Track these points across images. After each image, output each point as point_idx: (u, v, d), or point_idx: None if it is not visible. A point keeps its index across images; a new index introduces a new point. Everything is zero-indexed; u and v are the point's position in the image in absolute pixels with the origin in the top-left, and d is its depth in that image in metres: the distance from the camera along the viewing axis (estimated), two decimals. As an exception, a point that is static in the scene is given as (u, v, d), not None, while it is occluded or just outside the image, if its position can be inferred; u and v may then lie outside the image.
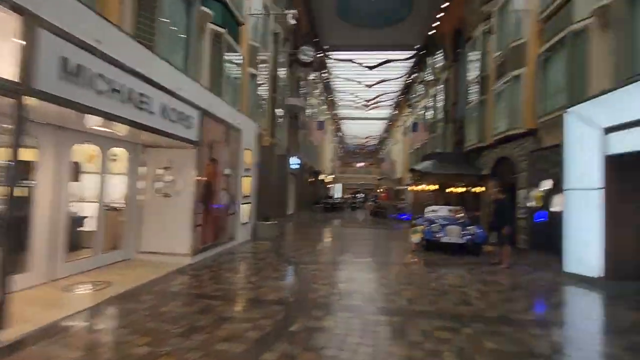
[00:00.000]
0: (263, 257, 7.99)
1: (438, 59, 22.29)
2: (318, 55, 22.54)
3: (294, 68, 20.22)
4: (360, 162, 67.77)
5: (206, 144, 7.37)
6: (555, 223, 8.66)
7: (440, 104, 21.60)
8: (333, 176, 44.86)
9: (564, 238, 7.34)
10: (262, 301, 4.85)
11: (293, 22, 15.72)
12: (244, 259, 7.83)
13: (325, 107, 34.44)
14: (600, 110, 6.76)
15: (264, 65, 13.64)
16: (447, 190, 17.05)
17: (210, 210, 7.75)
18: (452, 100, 19.40)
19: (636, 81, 6.00)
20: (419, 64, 25.69)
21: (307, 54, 19.35)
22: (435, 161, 16.12)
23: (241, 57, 11.29)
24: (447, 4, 17.75)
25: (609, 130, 6.67)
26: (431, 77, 23.69)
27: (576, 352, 3.70)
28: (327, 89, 32.29)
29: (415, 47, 22.94)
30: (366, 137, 56.21)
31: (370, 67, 24.74)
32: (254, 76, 12.22)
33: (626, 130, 6.34)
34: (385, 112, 39.84)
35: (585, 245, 6.92)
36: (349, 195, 49.84)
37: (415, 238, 9.90)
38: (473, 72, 15.23)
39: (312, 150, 28.65)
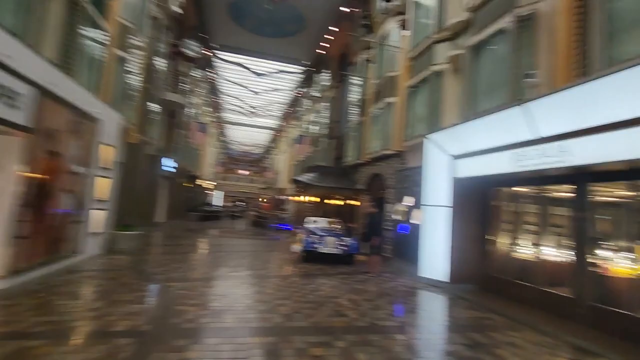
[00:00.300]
0: (116, 275, 6.61)
1: (325, 78, 23.65)
2: (204, 52, 21.08)
3: (176, 61, 18.32)
4: (244, 169, 66.26)
5: (42, 132, 5.72)
6: (414, 235, 9.89)
7: (324, 120, 22.83)
8: (214, 183, 42.38)
9: (420, 248, 8.39)
10: (107, 334, 3.87)
11: (178, 10, 14.26)
12: (90, 278, 6.32)
13: (209, 108, 32.45)
14: (450, 140, 8.03)
15: (138, 51, 11.84)
16: (327, 202, 17.89)
17: (44, 218, 6.03)
18: (335, 118, 20.74)
19: (475, 119, 7.32)
20: (308, 80, 26.77)
21: (191, 48, 17.84)
22: (318, 174, 16.77)
23: (107, 36, 9.47)
24: (336, 29, 19.03)
25: (456, 157, 7.98)
26: (318, 94, 24.93)
27: (429, 352, 4.07)
28: (213, 90, 30.56)
29: (304, 62, 23.79)
30: (251, 145, 55.38)
31: (260, 74, 24.49)
32: (122, 60, 10.42)
33: (468, 159, 7.69)
34: (272, 121, 40.05)
35: (435, 254, 8.03)
36: (230, 204, 47.87)
37: (297, 247, 9.93)
38: (354, 94, 16.58)
39: (191, 153, 26.41)
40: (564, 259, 6.71)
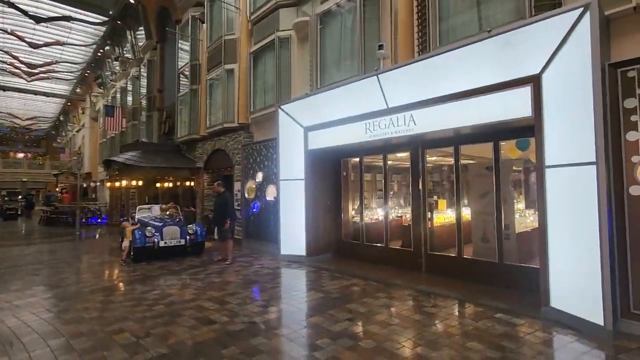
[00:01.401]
0: None
1: (140, 36, 19.47)
2: None
3: None
4: (21, 151, 49.47)
5: None
6: (266, 212, 9.40)
7: (143, 88, 18.98)
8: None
9: (280, 225, 7.96)
10: None
11: None
12: None
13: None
14: (302, 111, 7.75)
15: None
16: (157, 185, 15.17)
17: None
18: (158, 86, 17.51)
19: (327, 90, 7.23)
20: (114, 36, 21.50)
21: None
22: (140, 152, 13.82)
23: None
24: (151, -26, 15.63)
25: (308, 129, 7.80)
26: (131, 56, 20.41)
27: (325, 339, 3.65)
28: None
29: (109, 12, 18.81)
30: (31, 118, 41.54)
31: (38, 20, 17.79)
32: None
33: (321, 130, 7.61)
34: (63, 87, 30.84)
35: (294, 230, 7.78)
36: (1, 198, 34.80)
37: (126, 243, 7.79)
38: (184, 57, 14.22)
39: None
40: (403, 218, 7.70)
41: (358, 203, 8.08)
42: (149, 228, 7.97)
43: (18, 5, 16.84)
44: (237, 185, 10.57)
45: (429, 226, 6.42)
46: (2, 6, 17.47)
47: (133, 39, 20.07)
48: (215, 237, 8.62)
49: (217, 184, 7.93)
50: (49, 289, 5.77)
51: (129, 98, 21.34)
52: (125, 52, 21.35)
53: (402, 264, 6.65)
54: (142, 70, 19.27)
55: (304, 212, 7.64)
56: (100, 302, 4.94)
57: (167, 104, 16.54)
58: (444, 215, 7.13)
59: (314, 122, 7.56)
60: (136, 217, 9.24)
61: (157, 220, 8.73)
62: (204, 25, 12.89)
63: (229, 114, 11.00)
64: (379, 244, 7.32)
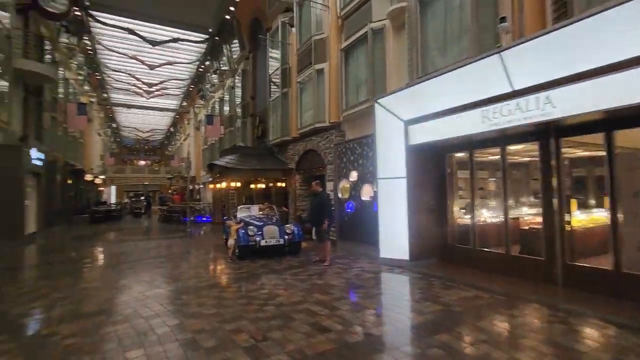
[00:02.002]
0: (-52, 331, 4.07)
1: (235, 48, 21.05)
2: (75, 12, 16.50)
3: (32, 20, 13.77)
4: (142, 159, 58.37)
5: None
6: (361, 213, 9.02)
7: (238, 97, 20.46)
8: (104, 177, 35.91)
9: (379, 226, 7.50)
10: None
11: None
12: None
13: (88, 87, 26.62)
14: (401, 104, 7.17)
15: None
16: (252, 186, 16.10)
17: None
18: (251, 93, 18.64)
19: (426, 80, 6.54)
20: (213, 52, 23.67)
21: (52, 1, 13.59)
22: (238, 155, 14.74)
23: None
24: (244, -11, 16.71)
25: (409, 122, 7.17)
26: (227, 68, 22.20)
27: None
28: (93, 64, 24.94)
29: (208, 30, 20.73)
30: (149, 131, 48.65)
31: (154, 44, 20.53)
32: None
33: (421, 124, 6.93)
34: (172, 102, 35.27)
35: (395, 232, 7.23)
36: (128, 200, 41.45)
37: (231, 241, 8.23)
38: (274, 63, 14.80)
39: (70, 142, 21.29)
40: (523, 220, 6.55)
41: (467, 203, 7.16)
42: (250, 227, 8.27)
43: (137, 32, 19.60)
44: (329, 185, 10.44)
45: (568, 231, 5.26)
46: (126, 36, 20.58)
47: (229, 52, 21.79)
48: (313, 237, 8.54)
49: (314, 184, 7.84)
50: (170, 282, 6.27)
51: (226, 107, 23.25)
52: (222, 65, 23.33)
53: (528, 275, 5.60)
54: (236, 80, 20.79)
55: (405, 213, 7.06)
56: (215, 298, 5.13)
57: (260, 110, 17.46)
58: (586, 218, 5.81)
59: (416, 115, 6.92)
60: (238, 216, 9.75)
61: (257, 220, 9.06)
62: (293, 29, 13.15)
63: (320, 114, 10.96)
64: (497, 251, 6.32)
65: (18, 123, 12.60)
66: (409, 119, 7.10)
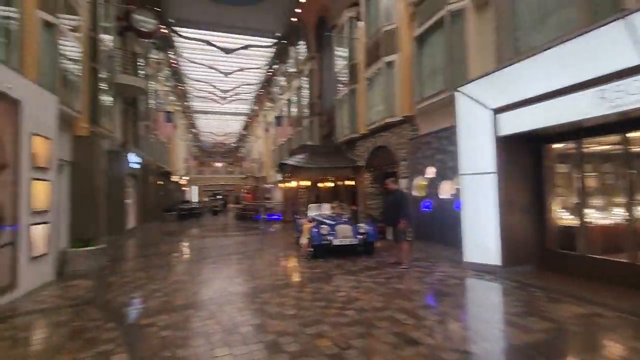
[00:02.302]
0: (66, 316, 4.62)
1: (301, 50, 21.43)
2: (160, 28, 18.27)
3: (128, 39, 15.59)
4: (218, 161, 63.09)
5: None
6: (439, 211, 8.35)
7: (305, 97, 20.78)
8: (188, 178, 39.50)
9: (462, 226, 6.82)
10: None
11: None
12: (27, 327, 4.30)
13: (174, 97, 29.43)
14: (488, 91, 6.40)
15: (75, 19, 9.32)
16: (321, 185, 16.18)
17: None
18: (317, 92, 18.76)
19: (519, 61, 5.70)
20: (281, 55, 24.40)
21: (145, 22, 15.15)
22: (307, 154, 14.89)
23: (22, -10, 7.01)
24: (309, -10, 16.82)
25: (498, 111, 6.36)
26: (294, 69, 22.70)
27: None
28: (177, 75, 27.51)
29: (276, 34, 21.39)
30: (224, 134, 52.31)
31: (227, 52, 21.84)
32: (51, 27, 7.96)
33: (513, 111, 6.09)
34: (244, 106, 37.32)
35: (483, 233, 6.49)
36: (207, 199, 45.12)
37: (304, 239, 8.24)
38: (340, 61, 14.63)
39: (160, 147, 23.72)
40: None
41: (571, 201, 6.13)
42: (323, 226, 8.18)
43: (211, 42, 21.02)
44: (403, 183, 9.91)
45: None
46: (204, 47, 22.23)
47: (295, 54, 22.25)
48: (389, 237, 8.15)
49: (389, 181, 7.43)
50: (249, 279, 6.44)
51: (293, 108, 23.81)
52: (289, 67, 23.93)
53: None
54: (303, 81, 21.13)
55: (495, 213, 6.28)
56: (293, 298, 5.09)
57: (327, 108, 17.47)
58: None
59: (506, 102, 6.10)
60: (309, 214, 9.77)
61: (328, 218, 8.95)
62: (360, 23, 12.82)
63: (391, 108, 10.47)
64: (616, 259, 5.27)
65: (119, 131, 14.34)
66: (497, 106, 6.30)
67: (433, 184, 8.55)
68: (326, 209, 10.00)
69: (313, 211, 9.93)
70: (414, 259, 7.52)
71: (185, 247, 11.25)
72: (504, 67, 6.03)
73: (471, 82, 6.71)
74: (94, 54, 10.57)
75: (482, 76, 6.45)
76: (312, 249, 8.03)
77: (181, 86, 30.03)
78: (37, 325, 4.40)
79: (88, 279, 6.60)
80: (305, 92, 20.67)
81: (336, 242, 7.92)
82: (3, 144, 5.17)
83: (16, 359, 3.36)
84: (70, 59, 9.09)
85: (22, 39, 6.95)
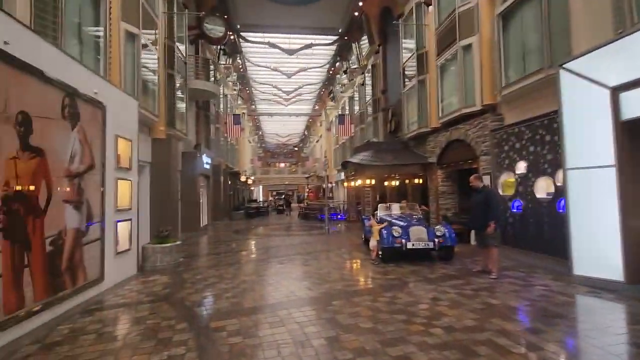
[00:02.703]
0: (144, 312, 4.69)
1: (363, 45, 20.80)
2: (229, 34, 19.09)
3: (199, 46, 16.51)
4: (282, 162, 65.09)
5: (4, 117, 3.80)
6: (533, 213, 7.16)
7: (368, 93, 20.11)
8: (253, 178, 41.18)
9: (569, 232, 5.67)
10: None
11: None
12: (109, 321, 4.43)
13: (241, 101, 30.84)
14: (605, 66, 5.19)
15: (153, 30, 9.96)
16: (387, 183, 15.42)
17: (34, 242, 4.18)
18: (382, 87, 17.95)
19: None
20: (342, 52, 24.02)
21: (214, 29, 15.88)
22: (372, 152, 14.24)
23: (107, 5, 7.57)
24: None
25: (620, 89, 5.12)
26: (356, 65, 22.15)
27: None
28: (244, 80, 28.75)
29: (338, 30, 21.04)
30: (287, 135, 53.75)
31: (291, 52, 22.09)
32: (133, 37, 8.53)
33: (642, 88, 4.82)
34: (306, 106, 37.77)
35: (599, 241, 5.30)
36: (272, 198, 46.67)
37: (373, 242, 7.69)
38: (407, 52, 13.71)
39: (229, 148, 24.94)
40: None
41: None
42: (395, 228, 7.53)
43: (275, 44, 21.39)
44: (485, 180, 8.78)
45: None
46: (268, 50, 22.77)
47: (357, 49, 21.67)
48: (473, 242, 7.22)
49: (473, 178, 6.50)
50: (318, 283, 6.09)
51: (356, 106, 23.27)
52: (351, 64, 23.44)
53: None
54: (366, 77, 20.48)
55: (616, 216, 5.07)
56: (368, 308, 4.58)
57: (392, 103, 16.60)
58: None
59: (633, 77, 4.86)
60: (378, 215, 9.16)
61: (400, 219, 8.26)
62: (430, 7, 11.83)
63: (469, 97, 9.38)
64: None
65: (193, 134, 15.21)
66: (619, 84, 5.07)
67: (524, 181, 7.37)
68: (395, 209, 9.31)
69: (383, 211, 9.32)
70: (503, 267, 6.50)
71: (253, 246, 11.42)
72: (630, 34, 4.82)
73: (580, 56, 5.53)
74: (170, 61, 11.22)
75: (597, 48, 5.26)
76: (382, 252, 7.44)
77: (248, 90, 31.34)
78: (118, 320, 4.52)
79: (165, 275, 6.85)
80: (369, 88, 19.99)
81: (409, 245, 7.22)
82: (91, 145, 5.50)
83: (94, 355, 3.38)
84: (148, 67, 9.71)
85: (108, 48, 7.49)
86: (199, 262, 8.42)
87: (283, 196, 43.09)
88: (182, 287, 5.92)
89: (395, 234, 7.34)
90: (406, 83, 13.90)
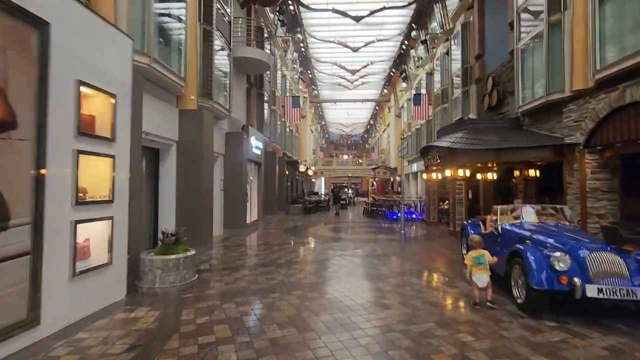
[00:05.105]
0: None
1: (450, 2, 16.67)
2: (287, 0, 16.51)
3: (254, 13, 14.15)
4: (345, 153, 62.26)
5: None
6: None
7: (456, 61, 16.01)
8: (315, 169, 38.80)
9: None
10: None
11: None
12: None
13: (302, 85, 28.44)
14: None
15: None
16: (480, 176, 11.55)
17: None
18: (477, 52, 13.81)
19: None
20: (420, 18, 20.04)
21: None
22: (467, 132, 10.46)
23: None
24: None
25: None
26: (439, 31, 18.08)
27: None
28: (304, 61, 26.22)
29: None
30: (351, 125, 50.59)
31: (358, 19, 18.70)
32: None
33: None
34: (373, 91, 34.13)
35: None
36: (334, 191, 43.76)
37: (479, 276, 4.31)
38: (526, -12, 9.59)
39: (287, 134, 22.68)
40: None
41: None
42: (555, 255, 4.00)
43: (339, 10, 18.23)
44: None
45: None
46: (332, 22, 19.80)
47: (441, 10, 17.59)
48: None
49: None
50: (415, 352, 2.98)
51: (436, 83, 19.24)
52: (431, 30, 19.40)
53: None
54: (452, 43, 16.42)
55: None
56: None
57: (492, 70, 12.49)
58: None
59: None
60: (499, 225, 5.64)
61: (548, 234, 4.68)
62: None
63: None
64: None
65: (242, 113, 12.96)
66: None
67: None
68: (531, 214, 5.66)
69: (503, 218, 5.78)
70: None
71: (302, 255, 8.62)
72: None
73: None
74: (207, 15, 8.83)
75: None
76: (526, 296, 4.02)
77: (310, 73, 28.83)
78: None
79: (158, 307, 4.32)
80: (457, 55, 15.87)
81: (592, 289, 3.68)
82: (4, 88, 3.07)
83: None
84: (170, 11, 7.36)
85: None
86: (218, 286, 5.60)
87: (347, 190, 38.06)
88: (167, 340, 3.27)
89: (558, 267, 3.84)
90: (521, 36, 9.81)
